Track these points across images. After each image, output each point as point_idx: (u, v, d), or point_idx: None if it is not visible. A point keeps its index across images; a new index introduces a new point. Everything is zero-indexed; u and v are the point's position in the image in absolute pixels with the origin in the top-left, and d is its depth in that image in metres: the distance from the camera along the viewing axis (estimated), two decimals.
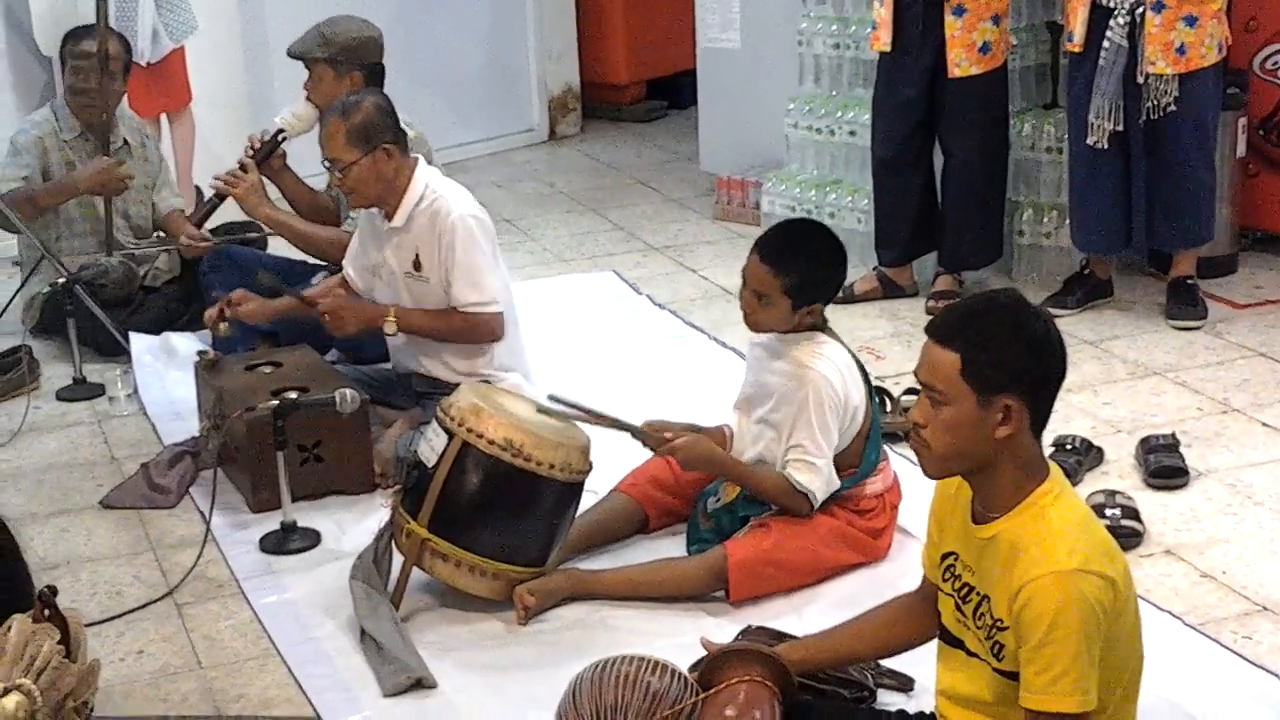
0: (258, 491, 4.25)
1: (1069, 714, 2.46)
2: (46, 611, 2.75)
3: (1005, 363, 2.53)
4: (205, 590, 3.92)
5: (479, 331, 4.39)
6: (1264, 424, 4.58)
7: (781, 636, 3.29)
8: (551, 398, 3.76)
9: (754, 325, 3.77)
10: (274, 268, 5.17)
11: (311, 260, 5.22)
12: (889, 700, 3.21)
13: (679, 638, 3.34)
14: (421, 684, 3.41)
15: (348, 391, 4.09)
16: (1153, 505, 4.07)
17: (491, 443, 3.57)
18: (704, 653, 3.00)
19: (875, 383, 3.97)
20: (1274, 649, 3.41)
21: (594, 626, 3.62)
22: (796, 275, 3.64)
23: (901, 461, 3.99)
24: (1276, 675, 3.31)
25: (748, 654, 2.94)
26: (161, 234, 5.78)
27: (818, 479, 3.67)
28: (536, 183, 7.75)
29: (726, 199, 6.90)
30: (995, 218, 5.75)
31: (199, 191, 6.49)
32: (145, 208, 5.74)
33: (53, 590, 2.78)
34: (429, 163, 4.50)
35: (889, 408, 4.48)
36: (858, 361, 3.78)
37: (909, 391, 4.21)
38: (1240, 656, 3.39)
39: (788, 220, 4.14)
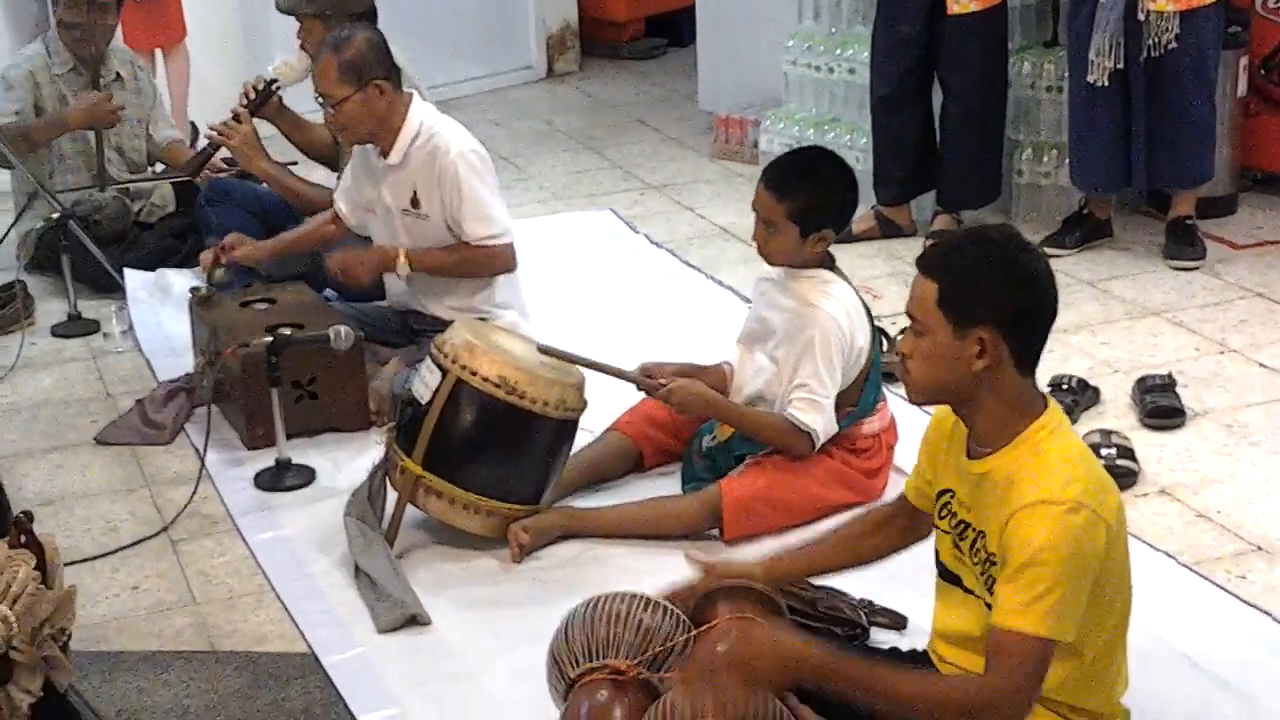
0: (252, 428, 4.24)
1: (1038, 636, 2.43)
2: (22, 537, 2.75)
3: (981, 294, 2.52)
4: (200, 527, 3.93)
5: (494, 264, 4.38)
6: (1261, 364, 4.57)
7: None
8: (541, 349, 3.74)
9: (766, 257, 3.75)
10: (270, 202, 5.15)
11: None
12: (882, 638, 3.22)
13: (672, 576, 3.30)
14: (416, 620, 3.43)
15: (343, 328, 4.08)
16: (1148, 445, 4.06)
17: (486, 380, 3.56)
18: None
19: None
20: (1267, 588, 3.42)
21: (587, 564, 3.63)
22: (802, 200, 3.62)
23: (898, 402, 3.98)
24: (1269, 614, 3.32)
25: (740, 591, 2.94)
26: (161, 166, 5.75)
27: (820, 418, 3.66)
28: (534, 120, 7.70)
29: (725, 137, 6.87)
30: (994, 157, 5.72)
31: (194, 128, 6.45)
32: (139, 141, 5.71)
33: (29, 516, 2.77)
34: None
35: (885, 347, 4.46)
36: (864, 303, 3.76)
37: (904, 331, 4.19)
38: (1233, 595, 3.40)
39: (795, 148, 4.12)
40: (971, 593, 2.67)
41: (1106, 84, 5.24)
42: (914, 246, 5.60)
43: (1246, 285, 5.16)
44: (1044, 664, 2.47)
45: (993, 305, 2.52)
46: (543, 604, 3.37)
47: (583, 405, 3.69)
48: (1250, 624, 3.30)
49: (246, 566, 3.74)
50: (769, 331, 3.80)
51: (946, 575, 2.76)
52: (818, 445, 3.70)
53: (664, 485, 3.93)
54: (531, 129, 7.56)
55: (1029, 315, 2.56)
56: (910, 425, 3.80)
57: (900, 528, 2.92)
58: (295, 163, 5.37)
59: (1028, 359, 2.57)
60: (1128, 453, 3.91)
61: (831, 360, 3.65)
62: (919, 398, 2.65)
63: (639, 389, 3.75)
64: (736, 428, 3.78)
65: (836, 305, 3.67)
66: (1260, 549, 3.59)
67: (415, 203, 4.37)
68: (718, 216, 6.10)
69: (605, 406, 3.94)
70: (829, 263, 3.74)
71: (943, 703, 2.51)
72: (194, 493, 3.99)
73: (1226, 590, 3.42)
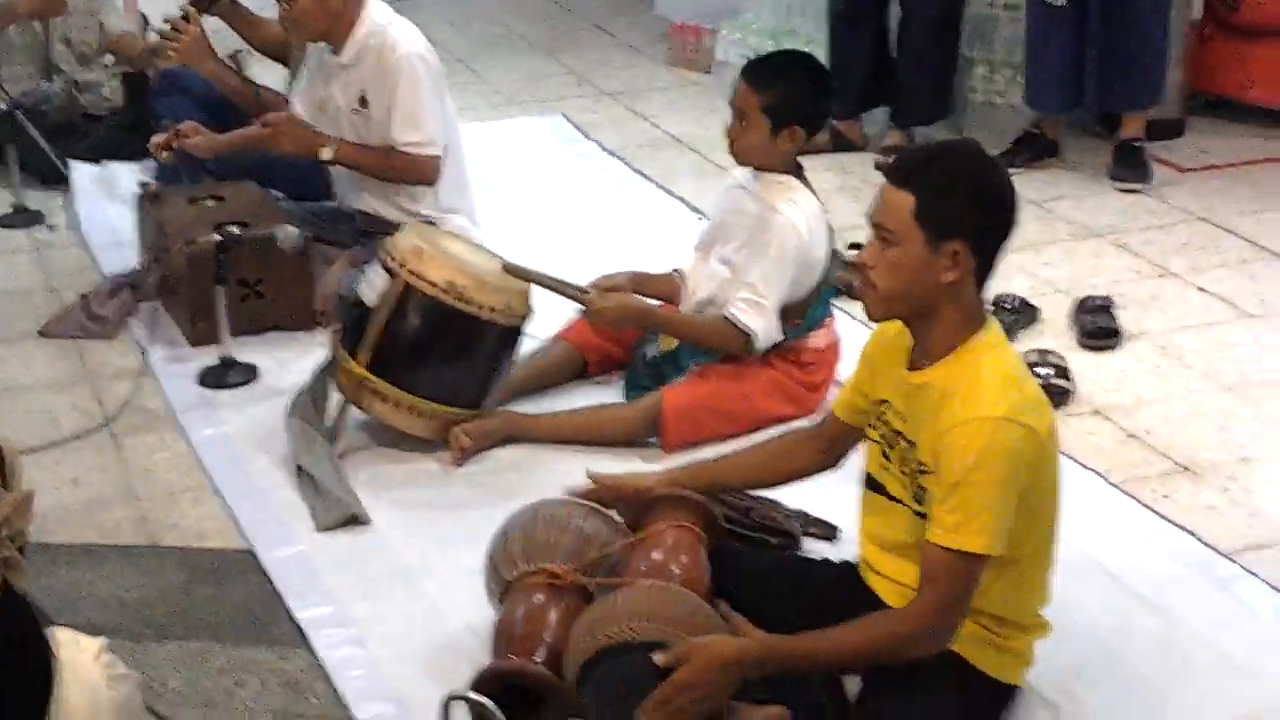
0: (197, 325, 4.24)
1: (972, 554, 2.50)
2: None
3: (958, 208, 2.55)
4: (142, 422, 3.94)
5: (414, 172, 4.36)
6: (1200, 288, 4.63)
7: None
8: (506, 268, 3.75)
9: (736, 154, 3.76)
10: (223, 96, 5.11)
11: None
12: (814, 548, 3.27)
13: None
14: (356, 520, 3.46)
15: (290, 227, 4.08)
16: (1084, 365, 4.12)
17: (433, 284, 3.58)
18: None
19: None
20: (1192, 508, 3.49)
21: (529, 469, 3.66)
22: (776, 94, 3.64)
23: (843, 319, 4.02)
24: (1193, 533, 3.39)
25: (676, 500, 2.99)
26: (111, 58, 5.69)
27: (761, 320, 3.67)
28: (490, 23, 7.65)
29: (681, 45, 6.84)
30: (948, 74, 5.74)
31: (144, 19, 6.37)
32: (89, 33, 5.64)
33: None
34: None
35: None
36: (828, 223, 3.79)
37: (853, 246, 4.23)
38: (1159, 515, 3.47)
39: (779, 50, 4.16)
40: (897, 501, 2.73)
41: (1063, 4, 5.25)
42: (864, 161, 5.63)
43: (1190, 209, 5.22)
44: (976, 580, 2.54)
45: (968, 219, 2.55)
46: (482, 507, 3.41)
47: (528, 312, 3.71)
48: (1174, 542, 3.37)
49: (187, 463, 3.75)
50: (728, 235, 3.81)
51: (872, 484, 2.81)
52: (757, 347, 3.71)
53: (607, 394, 3.96)
54: (488, 32, 7.51)
55: (997, 230, 2.60)
56: (852, 343, 3.85)
57: (819, 449, 2.97)
58: (240, 51, 5.30)
59: (986, 272, 2.61)
60: (1063, 372, 3.97)
61: (784, 265, 3.67)
62: (880, 309, 2.65)
63: (577, 301, 3.76)
64: (673, 335, 3.81)
65: (798, 212, 3.69)
66: (1187, 470, 3.66)
67: (364, 102, 4.35)
68: (671, 125, 6.10)
69: (551, 314, 3.96)
70: (797, 171, 3.76)
71: (885, 641, 2.56)
72: (137, 387, 3.99)
73: (1152, 509, 3.49)
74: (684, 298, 3.90)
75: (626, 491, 3.04)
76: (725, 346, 3.73)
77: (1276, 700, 2.86)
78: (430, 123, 4.32)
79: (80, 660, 1.70)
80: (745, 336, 3.69)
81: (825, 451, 2.96)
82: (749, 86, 3.66)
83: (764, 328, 3.69)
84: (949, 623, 2.55)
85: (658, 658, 2.52)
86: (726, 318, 3.70)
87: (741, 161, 3.77)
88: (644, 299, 3.81)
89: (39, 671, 1.59)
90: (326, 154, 4.34)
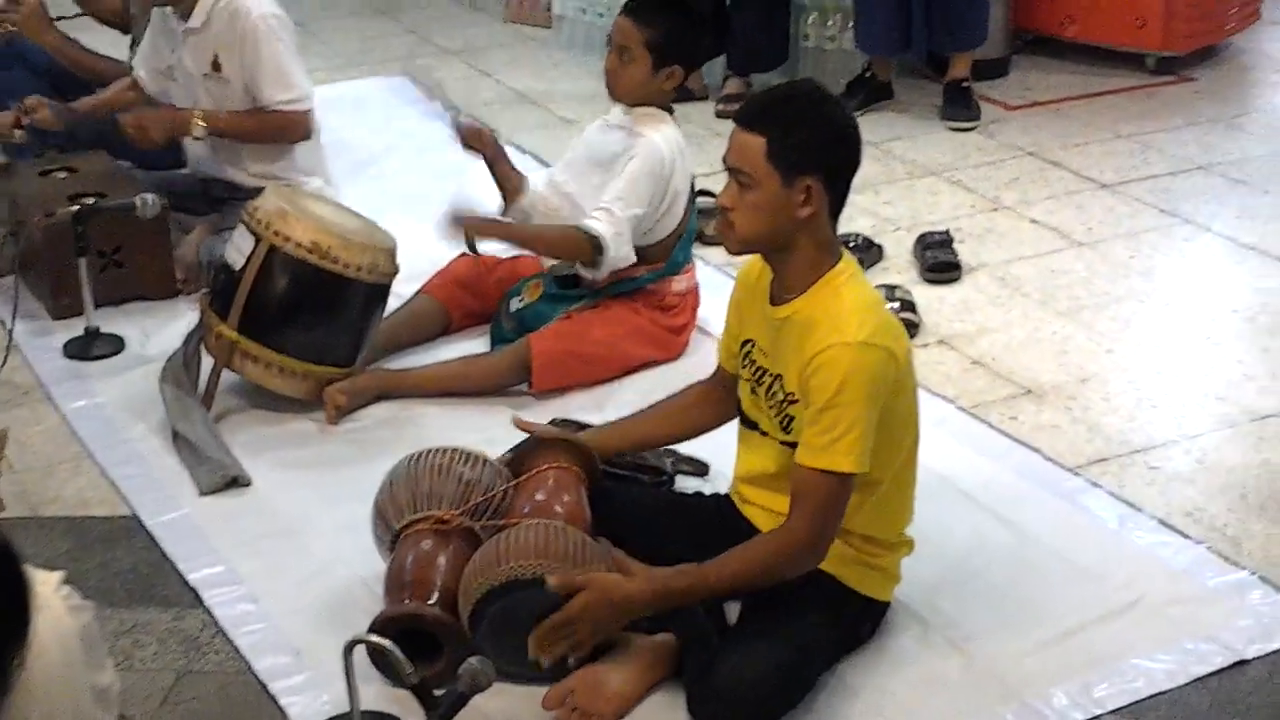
0: (58, 298, 4.25)
1: (841, 472, 2.64)
2: None
3: (807, 145, 2.68)
4: (11, 396, 3.94)
5: (292, 130, 4.38)
6: (1032, 220, 4.85)
7: (585, 428, 3.45)
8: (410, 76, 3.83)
9: (614, 88, 3.84)
10: (63, 67, 5.07)
11: None
12: (686, 484, 3.40)
13: (486, 432, 3.47)
14: (236, 482, 3.51)
15: (149, 196, 4.09)
16: (928, 298, 4.30)
17: (299, 245, 3.63)
18: (513, 442, 3.15)
19: None
20: (1036, 428, 3.69)
21: (403, 424, 3.74)
22: (660, 30, 3.73)
23: (702, 267, 4.15)
24: (1038, 451, 3.59)
25: (556, 443, 3.10)
26: None
27: (611, 228, 3.72)
28: None
29: (519, 2, 6.90)
30: (782, 20, 5.89)
31: None
32: None
33: None
34: None
35: None
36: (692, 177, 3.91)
37: (703, 193, 4.36)
38: (1006, 435, 3.66)
39: None
40: (768, 435, 2.86)
41: None
42: (705, 110, 5.76)
43: (1019, 145, 5.44)
44: (845, 498, 2.68)
45: (818, 155, 2.68)
46: (361, 463, 3.49)
47: (395, 270, 3.79)
48: (1021, 461, 3.56)
49: (62, 434, 3.77)
50: (594, 172, 3.88)
51: (745, 421, 2.94)
52: (606, 252, 3.73)
53: (473, 347, 4.05)
54: None
55: (846, 163, 2.74)
56: (712, 288, 4.00)
57: (718, 398, 3.08)
58: (81, 14, 5.27)
59: (838, 206, 2.75)
60: (909, 306, 4.14)
61: (641, 184, 3.75)
62: (740, 247, 2.78)
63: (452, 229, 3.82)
64: (528, 246, 3.90)
65: (663, 138, 3.79)
66: (1030, 392, 3.86)
67: (217, 66, 4.36)
68: (514, 81, 6.17)
69: (416, 270, 4.04)
70: (669, 109, 3.87)
71: (761, 565, 2.69)
72: (3, 362, 3.98)
73: (1000, 431, 3.68)
74: (522, 198, 3.99)
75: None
76: (574, 253, 3.80)
77: (1122, 599, 3.05)
78: (298, 78, 4.35)
79: (42, 592, 1.76)
80: (594, 241, 3.73)
81: (723, 401, 3.06)
82: (633, 22, 3.75)
83: (613, 236, 3.72)
84: (822, 540, 2.69)
85: (551, 581, 2.64)
86: (577, 226, 3.77)
87: (619, 96, 3.86)
88: (497, 218, 3.89)
89: (17, 596, 1.66)
90: (198, 130, 4.34)
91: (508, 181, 4.03)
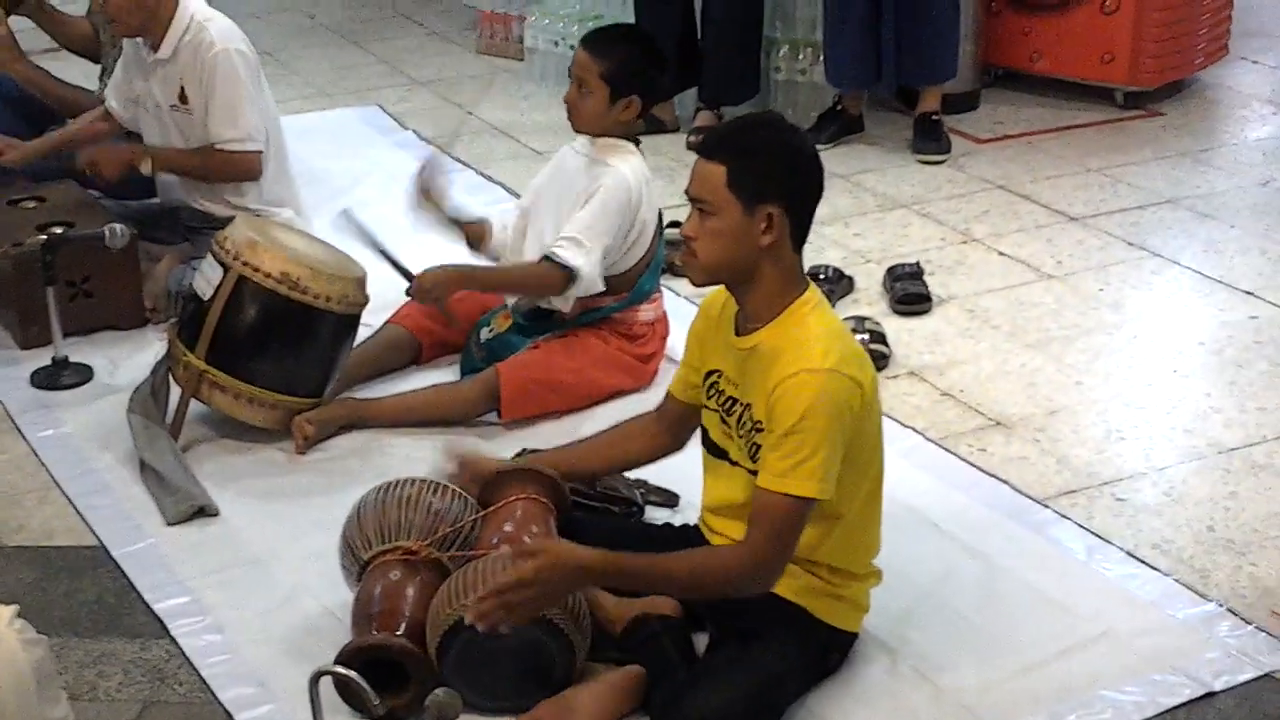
0: (26, 328, 4.23)
1: (803, 497, 2.64)
2: None
3: (767, 172, 2.70)
4: None
5: (235, 169, 4.36)
6: (1001, 253, 4.87)
7: None
8: (345, 213, 3.83)
9: (575, 121, 3.85)
10: (33, 99, 5.07)
11: None
12: (656, 515, 3.41)
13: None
14: (204, 512, 3.50)
15: (117, 226, 4.09)
16: (898, 330, 4.32)
17: (268, 275, 3.63)
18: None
19: None
20: (1005, 460, 3.70)
21: (372, 453, 3.74)
22: (616, 62, 3.75)
23: (671, 297, 4.16)
24: (1007, 483, 3.60)
25: (525, 474, 3.10)
26: None
27: (582, 257, 3.72)
28: (295, 14, 7.63)
29: (490, 33, 6.92)
30: (753, 54, 5.91)
31: None
32: None
33: None
34: None
35: None
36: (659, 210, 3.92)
37: (672, 224, 4.37)
38: (975, 467, 3.67)
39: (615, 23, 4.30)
40: (738, 465, 2.86)
41: None
42: (677, 142, 5.77)
43: (988, 178, 5.47)
44: (802, 523, 2.68)
45: (778, 183, 2.70)
46: (329, 493, 3.49)
47: (365, 300, 3.78)
48: (990, 492, 3.56)
49: (29, 464, 3.75)
50: (560, 203, 3.88)
51: (714, 450, 2.95)
52: (579, 284, 3.73)
53: (443, 377, 4.04)
54: (292, 22, 7.50)
55: (807, 191, 2.75)
56: (681, 319, 3.99)
57: (656, 432, 3.11)
58: (53, 47, 5.27)
59: (801, 235, 2.76)
60: (879, 337, 4.15)
61: (609, 214, 3.76)
62: (704, 276, 2.79)
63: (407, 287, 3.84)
64: (494, 289, 3.89)
65: (630, 169, 3.80)
66: (999, 424, 3.87)
67: (184, 98, 4.36)
68: (485, 112, 6.18)
69: (386, 300, 4.03)
70: (634, 140, 3.89)
71: (713, 571, 2.71)
72: None
73: (969, 462, 3.69)
74: (490, 241, 3.99)
75: (483, 469, 3.13)
76: (545, 288, 3.79)
77: (1090, 631, 3.06)
78: (248, 118, 4.32)
79: None
80: (565, 272, 3.73)
81: (668, 433, 3.09)
82: (589, 54, 3.77)
83: (585, 265, 3.73)
84: (778, 562, 2.69)
85: (505, 547, 2.65)
86: (547, 257, 3.76)
87: (579, 128, 3.87)
88: (459, 265, 3.89)
89: None
90: (145, 167, 4.36)
91: (471, 233, 4.01)
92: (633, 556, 2.71)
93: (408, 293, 3.82)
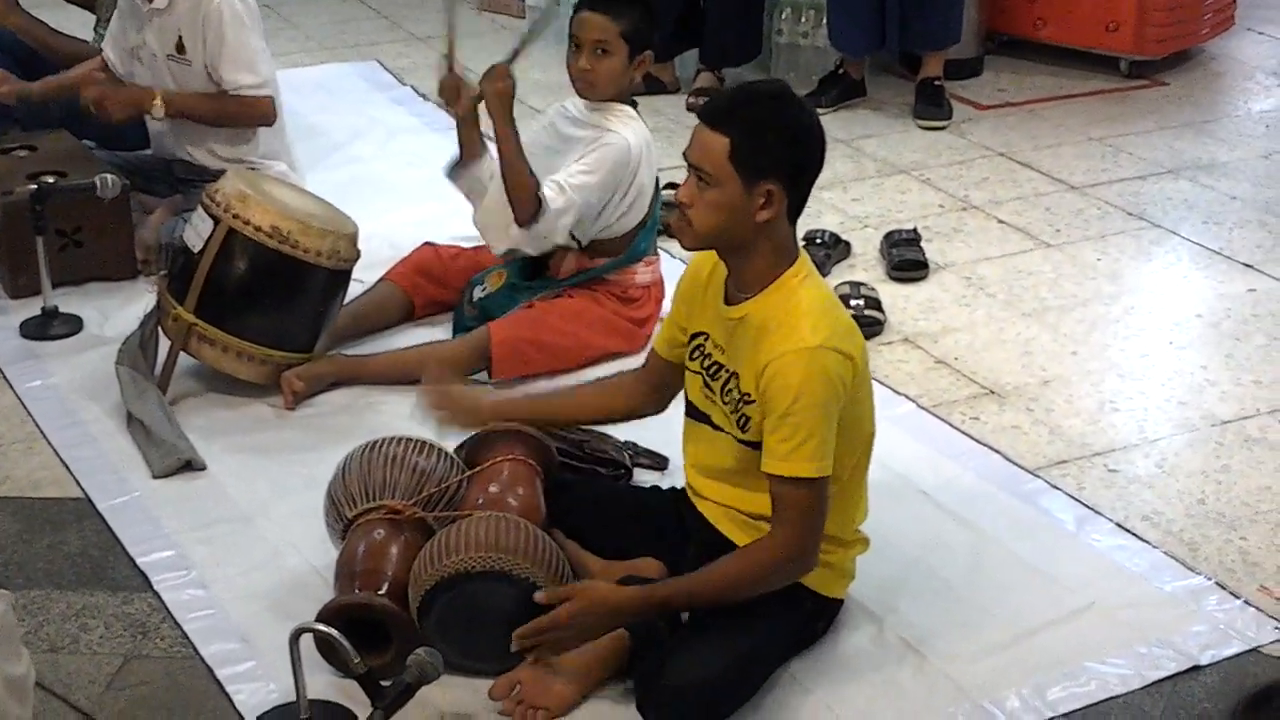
0: (16, 277, 4.20)
1: (807, 478, 2.64)
2: None
3: (771, 150, 2.65)
4: None
5: (252, 114, 4.34)
6: (999, 220, 4.84)
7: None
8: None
9: (590, 86, 3.79)
10: (29, 51, 5.03)
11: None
12: (644, 478, 3.39)
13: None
14: (190, 466, 3.48)
15: (109, 176, 4.06)
16: (894, 296, 4.29)
17: (259, 229, 3.60)
18: (465, 435, 3.13)
19: None
20: (998, 429, 3.68)
21: (361, 411, 3.71)
22: (631, 19, 3.72)
23: (665, 259, 4.13)
24: (999, 452, 3.57)
25: (511, 435, 3.08)
26: None
27: (559, 200, 3.70)
28: None
29: None
30: (755, 15, 5.87)
31: None
32: None
33: None
34: None
35: None
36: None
37: (669, 186, 4.34)
38: (968, 436, 3.64)
39: None
40: (720, 429, 2.84)
41: None
42: (677, 103, 5.74)
43: (989, 145, 5.43)
44: (823, 501, 2.68)
45: (782, 160, 2.66)
46: (317, 449, 3.47)
47: (355, 255, 3.75)
48: (982, 461, 3.54)
49: (16, 414, 3.73)
50: (553, 157, 3.84)
51: (695, 414, 2.92)
52: (542, 220, 3.69)
53: (434, 335, 4.02)
54: None
55: (808, 169, 2.71)
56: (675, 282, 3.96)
57: (645, 390, 3.07)
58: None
59: (798, 209, 2.73)
60: (875, 303, 4.13)
61: (603, 170, 3.73)
62: (696, 243, 2.75)
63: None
64: (503, 147, 3.77)
65: (632, 135, 3.77)
66: (992, 393, 3.85)
67: (180, 48, 4.32)
68: (484, 69, 6.11)
69: (378, 257, 4.01)
70: (632, 102, 3.85)
71: (751, 573, 2.70)
72: None
73: (961, 431, 3.67)
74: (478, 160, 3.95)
75: (459, 404, 3.12)
76: (520, 200, 3.70)
77: (1077, 602, 3.04)
78: (261, 63, 4.31)
79: None
80: (538, 204, 3.69)
81: (652, 392, 3.05)
82: (607, 15, 3.72)
83: (555, 209, 3.69)
84: (809, 547, 2.70)
85: (539, 596, 2.66)
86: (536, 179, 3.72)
87: (597, 94, 3.81)
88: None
89: None
90: (158, 110, 4.29)
91: (471, 146, 3.98)
92: (666, 585, 2.72)
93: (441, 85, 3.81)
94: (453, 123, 3.97)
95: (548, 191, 3.70)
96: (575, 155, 3.79)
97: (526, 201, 3.71)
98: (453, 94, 3.89)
